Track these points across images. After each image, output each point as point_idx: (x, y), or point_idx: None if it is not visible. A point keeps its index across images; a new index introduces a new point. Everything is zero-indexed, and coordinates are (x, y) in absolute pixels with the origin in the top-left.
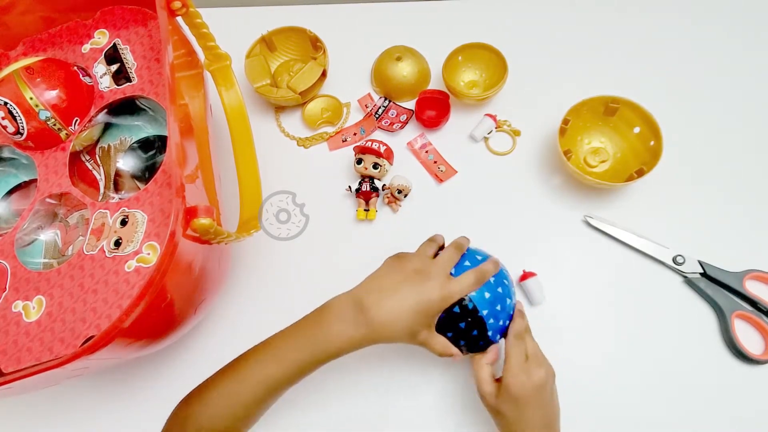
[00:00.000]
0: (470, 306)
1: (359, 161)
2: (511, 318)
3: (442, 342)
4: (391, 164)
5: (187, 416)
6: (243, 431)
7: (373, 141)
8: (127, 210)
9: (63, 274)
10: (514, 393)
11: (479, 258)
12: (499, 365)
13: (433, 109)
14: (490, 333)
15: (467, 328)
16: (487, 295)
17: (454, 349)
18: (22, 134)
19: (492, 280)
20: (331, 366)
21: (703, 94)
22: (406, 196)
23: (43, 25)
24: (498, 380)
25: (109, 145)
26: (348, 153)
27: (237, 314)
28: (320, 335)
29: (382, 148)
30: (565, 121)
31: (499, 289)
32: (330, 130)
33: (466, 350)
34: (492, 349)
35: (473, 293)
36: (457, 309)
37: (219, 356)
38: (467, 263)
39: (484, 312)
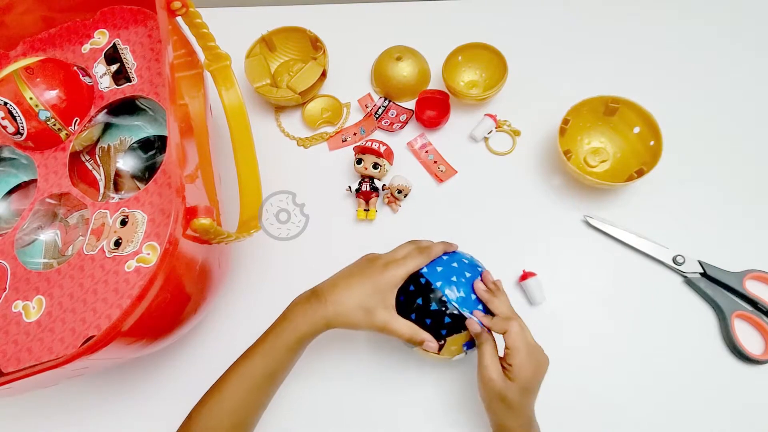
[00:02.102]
0: (423, 281)
1: (359, 161)
2: (473, 291)
3: (406, 325)
4: (391, 164)
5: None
6: None
7: (373, 141)
8: (127, 210)
9: (63, 274)
10: (524, 380)
11: (465, 261)
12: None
13: (433, 109)
14: (451, 305)
15: (425, 303)
16: (438, 269)
17: (423, 333)
18: (22, 134)
19: (444, 257)
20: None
21: (703, 94)
22: (406, 196)
23: (43, 25)
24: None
25: (109, 145)
26: (348, 153)
27: (237, 314)
28: (286, 325)
29: (382, 148)
30: (565, 121)
31: (454, 264)
32: (330, 130)
33: (435, 332)
34: (488, 338)
35: (425, 269)
36: (411, 287)
37: (219, 356)
38: (444, 257)
39: (438, 283)
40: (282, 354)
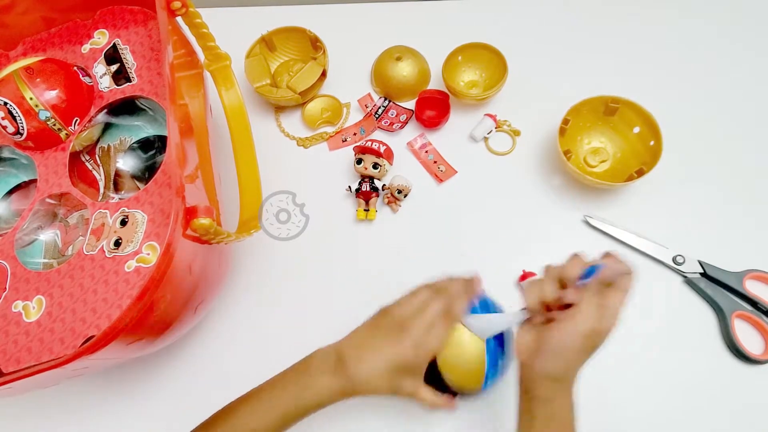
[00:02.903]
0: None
1: (359, 161)
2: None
3: (430, 395)
4: (391, 164)
5: None
6: None
7: (373, 141)
8: (127, 210)
9: (63, 274)
10: (571, 352)
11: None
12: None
13: (433, 109)
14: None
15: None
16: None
17: (444, 400)
18: (21, 134)
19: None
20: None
21: (703, 94)
22: (406, 196)
23: (43, 25)
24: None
25: (109, 145)
26: (348, 153)
27: (237, 314)
28: (303, 386)
29: (382, 148)
30: (565, 121)
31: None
32: (330, 130)
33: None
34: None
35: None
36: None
37: (219, 356)
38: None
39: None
40: (297, 411)
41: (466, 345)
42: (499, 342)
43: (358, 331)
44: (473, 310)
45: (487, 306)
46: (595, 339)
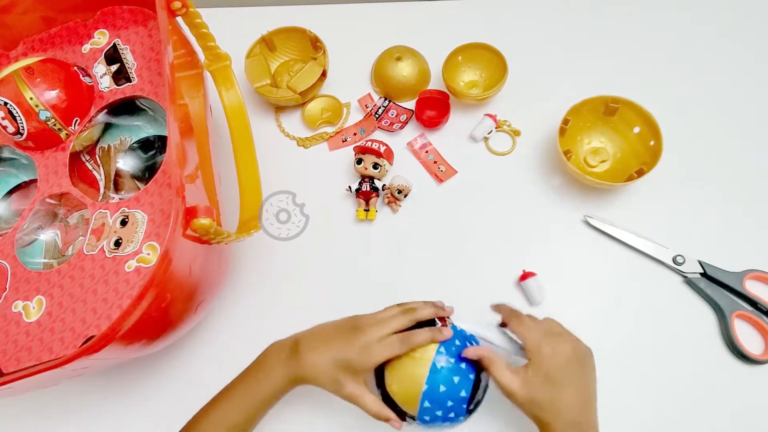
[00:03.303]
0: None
1: (359, 161)
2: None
3: (373, 402)
4: (391, 164)
5: None
6: None
7: (373, 141)
8: (127, 210)
9: (63, 275)
10: (544, 369)
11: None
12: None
13: (433, 109)
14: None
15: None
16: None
17: (390, 413)
18: (22, 134)
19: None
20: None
21: (703, 95)
22: (406, 196)
23: (43, 25)
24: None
25: (109, 145)
26: (348, 153)
27: (237, 314)
28: (262, 377)
29: (382, 148)
30: (565, 121)
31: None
32: (330, 130)
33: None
34: (490, 356)
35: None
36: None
37: (219, 356)
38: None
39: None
40: (257, 405)
41: (414, 362)
42: (459, 380)
43: (321, 325)
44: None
45: (463, 336)
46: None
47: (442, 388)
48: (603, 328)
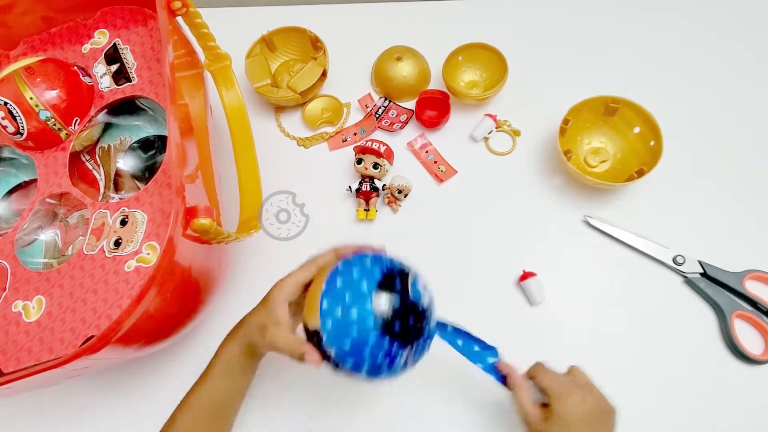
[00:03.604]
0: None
1: (359, 161)
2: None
3: (286, 340)
4: (391, 164)
5: None
6: None
7: (373, 141)
8: (127, 210)
9: (63, 274)
10: (567, 415)
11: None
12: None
13: (433, 109)
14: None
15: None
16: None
17: (305, 347)
18: (22, 134)
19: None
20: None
21: (703, 94)
22: (406, 196)
23: (43, 25)
24: (543, 406)
25: (109, 145)
26: (348, 153)
27: (237, 314)
28: (215, 361)
29: (382, 148)
30: (565, 121)
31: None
32: (330, 130)
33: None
34: (520, 382)
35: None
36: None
37: None
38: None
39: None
40: (227, 378)
41: (318, 283)
42: (361, 275)
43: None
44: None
45: (361, 259)
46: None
47: (340, 284)
48: (603, 328)
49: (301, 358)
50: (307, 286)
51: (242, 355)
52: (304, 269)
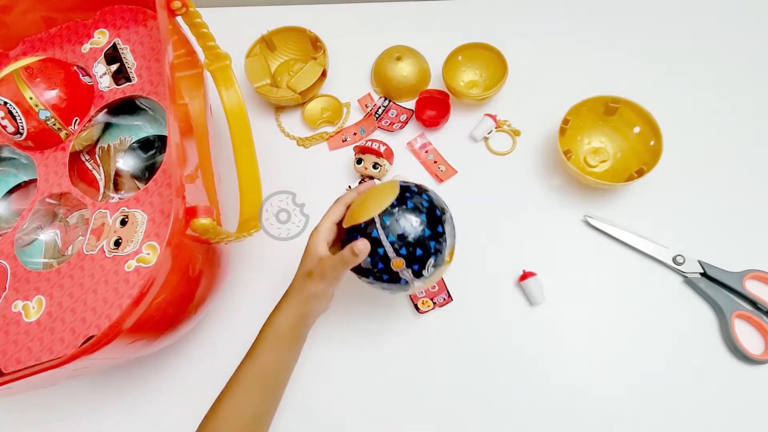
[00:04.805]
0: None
1: (359, 161)
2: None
3: (333, 258)
4: (391, 164)
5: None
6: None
7: (373, 141)
8: (127, 210)
9: (63, 274)
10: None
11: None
12: None
13: (433, 109)
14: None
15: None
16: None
17: (351, 245)
18: (21, 134)
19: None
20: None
21: (703, 94)
22: None
23: (43, 25)
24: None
25: (108, 145)
26: (348, 153)
27: (237, 314)
28: (277, 316)
29: (382, 148)
30: (565, 121)
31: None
32: (330, 130)
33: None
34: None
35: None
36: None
37: (219, 356)
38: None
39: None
40: (287, 344)
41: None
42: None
43: None
44: None
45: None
46: None
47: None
48: (603, 327)
49: (353, 253)
50: (338, 224)
51: (291, 329)
52: (333, 211)
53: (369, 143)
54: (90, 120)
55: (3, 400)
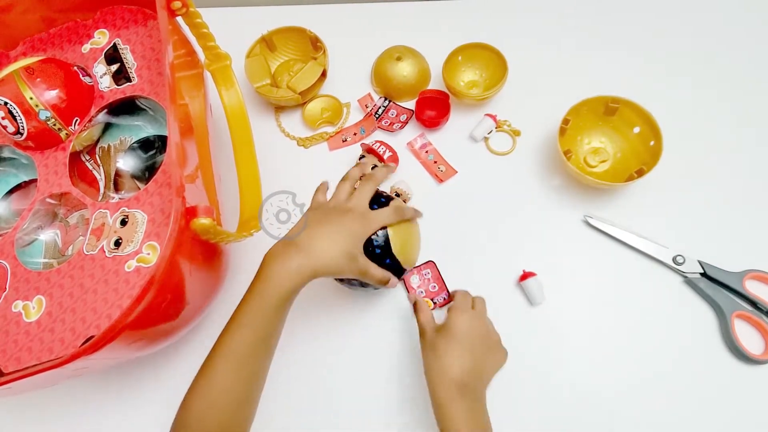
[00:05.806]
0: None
1: (362, 158)
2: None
3: (377, 268)
4: (395, 168)
5: (185, 420)
6: (248, 411)
7: (380, 144)
8: (127, 210)
9: (63, 274)
10: (453, 326)
11: None
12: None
13: (433, 109)
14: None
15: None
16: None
17: (391, 275)
18: (22, 134)
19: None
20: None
21: (703, 94)
22: (405, 202)
23: (43, 25)
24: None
25: (109, 145)
26: (348, 153)
27: None
28: (268, 285)
29: (387, 154)
30: (565, 121)
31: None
32: (330, 130)
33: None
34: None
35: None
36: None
37: None
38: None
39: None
40: (269, 317)
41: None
42: None
43: (304, 221)
44: None
45: None
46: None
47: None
48: (603, 328)
49: (385, 284)
50: None
51: (302, 286)
52: (367, 189)
53: (377, 145)
54: (90, 120)
55: (3, 400)
